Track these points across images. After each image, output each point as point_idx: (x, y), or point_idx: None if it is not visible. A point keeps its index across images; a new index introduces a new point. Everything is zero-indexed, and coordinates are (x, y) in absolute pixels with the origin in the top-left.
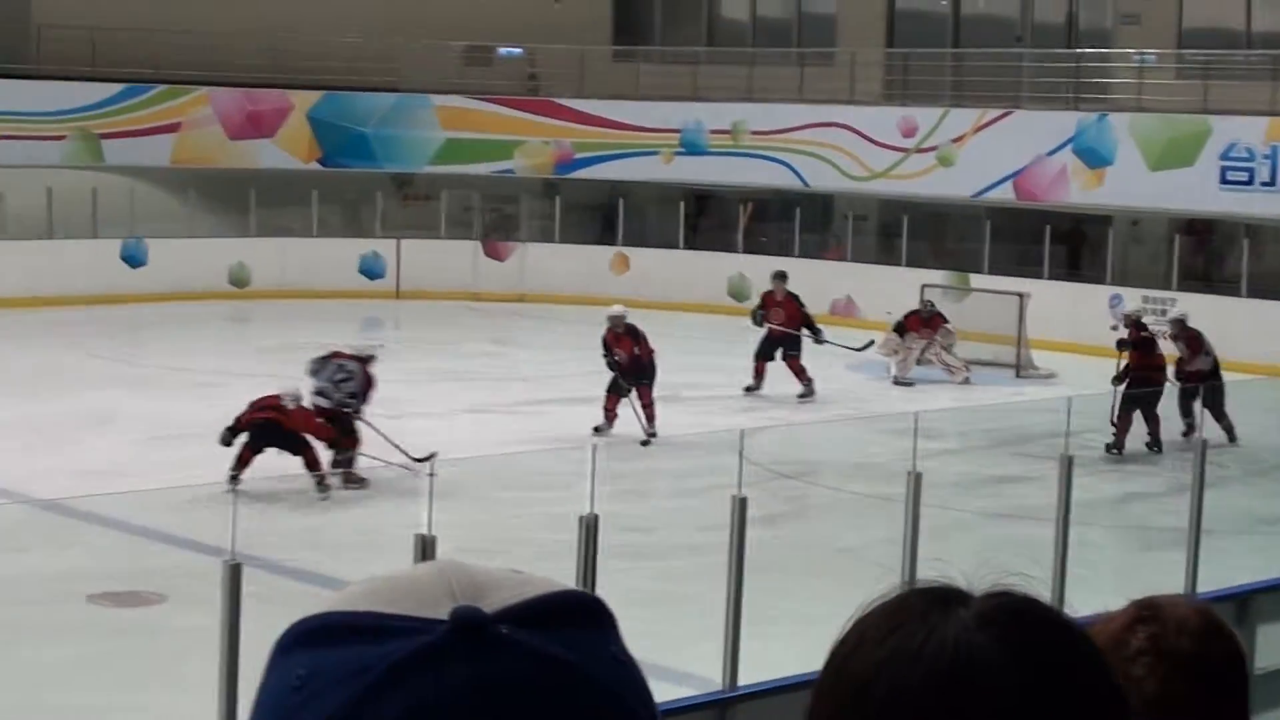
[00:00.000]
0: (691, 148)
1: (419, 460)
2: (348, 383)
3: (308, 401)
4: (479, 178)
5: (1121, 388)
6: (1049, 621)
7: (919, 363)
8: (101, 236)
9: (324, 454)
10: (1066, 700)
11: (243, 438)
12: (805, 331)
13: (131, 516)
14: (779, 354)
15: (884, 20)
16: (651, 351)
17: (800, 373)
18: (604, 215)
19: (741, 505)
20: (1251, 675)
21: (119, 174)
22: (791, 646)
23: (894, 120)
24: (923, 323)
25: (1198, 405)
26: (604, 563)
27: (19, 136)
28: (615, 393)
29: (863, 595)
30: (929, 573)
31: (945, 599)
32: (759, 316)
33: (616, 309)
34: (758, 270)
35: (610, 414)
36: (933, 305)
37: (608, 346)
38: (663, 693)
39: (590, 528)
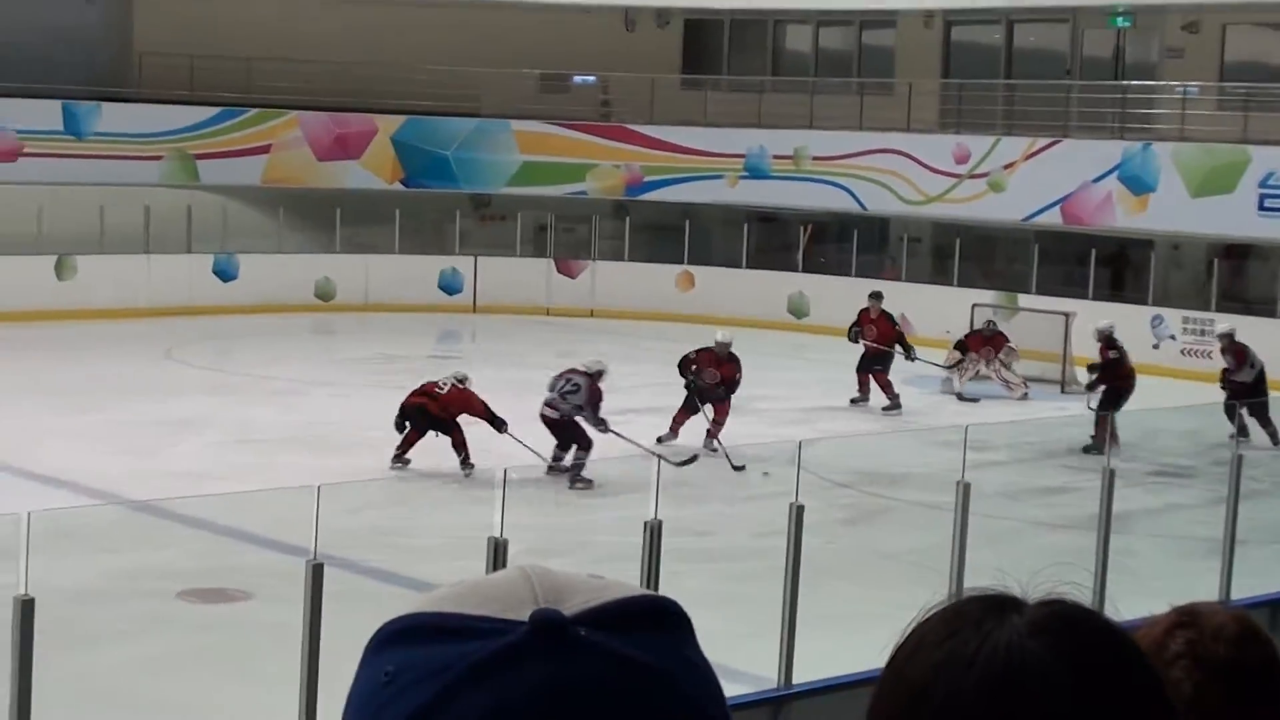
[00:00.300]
0: (755, 172)
1: (680, 464)
2: (574, 394)
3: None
4: (553, 199)
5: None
6: (1100, 629)
7: (976, 378)
8: (195, 251)
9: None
10: (1117, 706)
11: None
12: (898, 348)
13: (220, 517)
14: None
15: (940, 52)
16: (738, 375)
17: (887, 387)
18: (672, 235)
19: (799, 512)
20: None
21: (213, 192)
22: (843, 647)
23: (948, 147)
24: (984, 341)
25: (1244, 413)
26: (666, 565)
27: (119, 156)
28: (688, 410)
29: (912, 599)
30: (979, 579)
31: (1001, 606)
32: (855, 334)
33: (724, 334)
34: (817, 289)
35: (677, 426)
36: (994, 324)
37: (694, 367)
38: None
39: (654, 532)
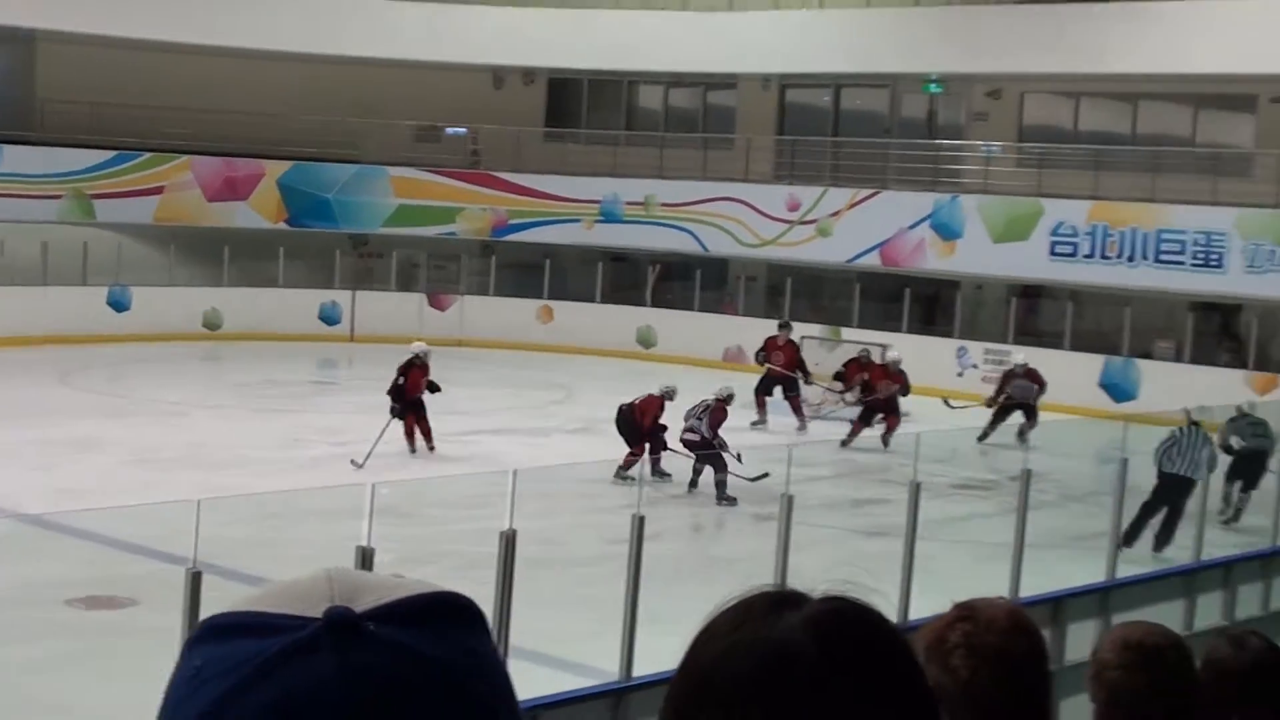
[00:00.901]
0: (609, 216)
1: (754, 479)
2: (705, 416)
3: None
4: (425, 239)
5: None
6: (868, 623)
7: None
8: (90, 284)
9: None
10: (876, 691)
11: None
12: (799, 374)
13: (108, 529)
14: (778, 391)
15: (775, 112)
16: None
17: (798, 410)
18: (533, 273)
19: (640, 522)
20: (1062, 666)
21: (108, 230)
22: (680, 642)
23: (781, 197)
24: (861, 368)
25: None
26: (521, 571)
27: (20, 195)
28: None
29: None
30: (800, 581)
31: (783, 602)
32: (761, 357)
33: (894, 354)
34: (663, 322)
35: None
36: (868, 354)
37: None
38: (568, 682)
39: (509, 541)
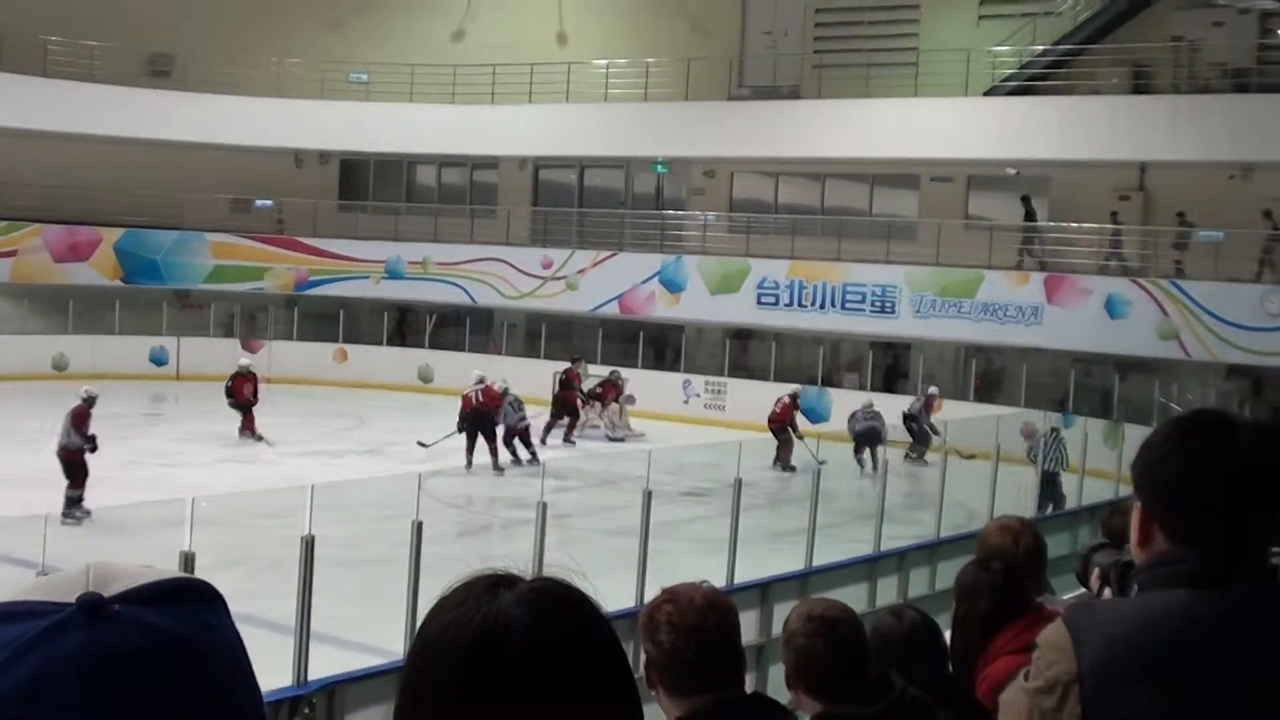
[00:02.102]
0: (393, 274)
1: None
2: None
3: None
4: (239, 293)
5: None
6: (570, 601)
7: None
8: None
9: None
10: (576, 659)
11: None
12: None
13: None
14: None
15: (531, 188)
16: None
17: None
18: (330, 321)
19: (418, 528)
20: (770, 639)
21: None
22: None
23: (537, 257)
24: (612, 386)
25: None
26: (324, 570)
27: None
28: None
29: None
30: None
31: (500, 581)
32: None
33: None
34: (439, 361)
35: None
36: (617, 374)
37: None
38: (363, 661)
39: (309, 545)
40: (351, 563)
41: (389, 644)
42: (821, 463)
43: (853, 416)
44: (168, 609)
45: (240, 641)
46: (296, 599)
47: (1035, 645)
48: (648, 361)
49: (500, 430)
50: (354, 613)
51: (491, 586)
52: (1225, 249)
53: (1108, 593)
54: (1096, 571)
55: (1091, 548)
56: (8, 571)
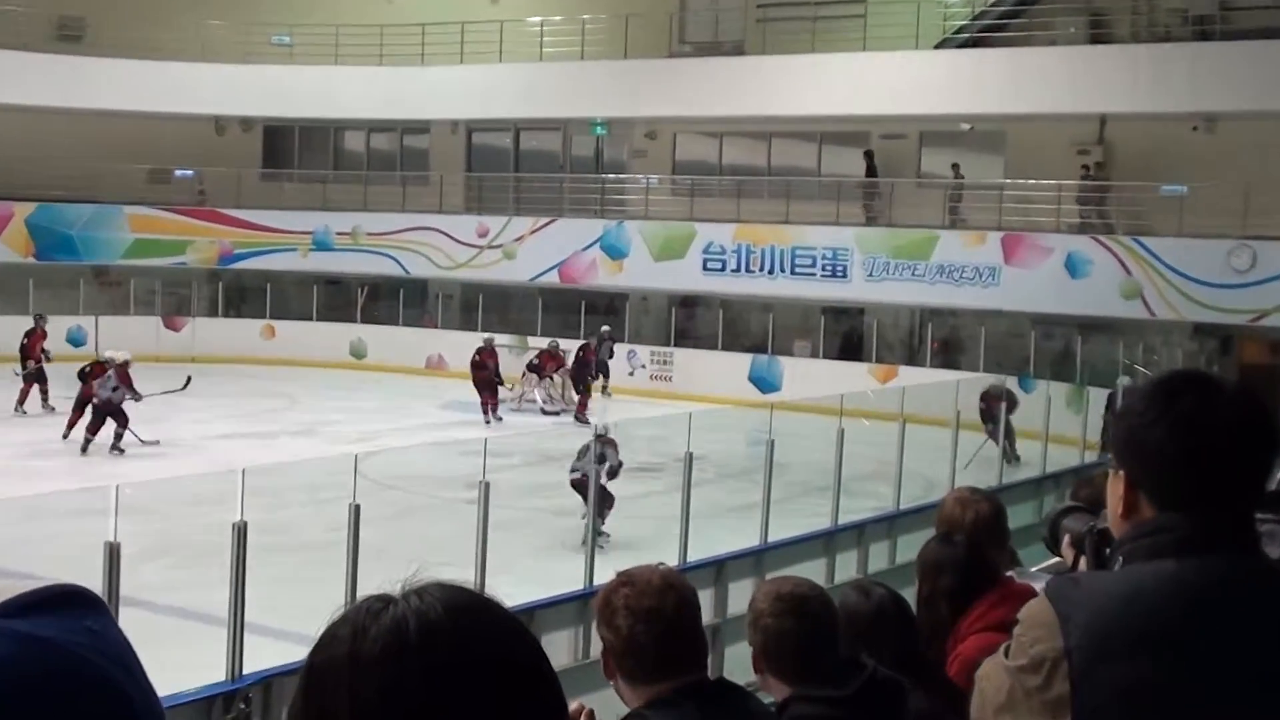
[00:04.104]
0: (322, 245)
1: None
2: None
3: None
4: (160, 268)
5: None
6: (468, 601)
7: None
8: None
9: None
10: (480, 670)
11: None
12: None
13: None
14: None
15: (464, 152)
16: None
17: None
18: (256, 296)
19: (357, 510)
20: (726, 619)
21: None
22: None
23: (472, 225)
24: (551, 358)
25: None
26: (255, 557)
27: None
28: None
29: (443, 574)
30: (500, 557)
31: (388, 600)
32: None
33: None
34: (372, 336)
35: None
36: (556, 345)
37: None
38: (300, 652)
39: (241, 532)
40: (286, 549)
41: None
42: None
43: None
44: (44, 617)
45: (128, 645)
46: (229, 589)
47: (1011, 622)
48: (591, 332)
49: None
50: (290, 601)
51: (379, 603)
52: (1190, 203)
53: (1083, 563)
54: (1068, 538)
55: (1061, 511)
56: None
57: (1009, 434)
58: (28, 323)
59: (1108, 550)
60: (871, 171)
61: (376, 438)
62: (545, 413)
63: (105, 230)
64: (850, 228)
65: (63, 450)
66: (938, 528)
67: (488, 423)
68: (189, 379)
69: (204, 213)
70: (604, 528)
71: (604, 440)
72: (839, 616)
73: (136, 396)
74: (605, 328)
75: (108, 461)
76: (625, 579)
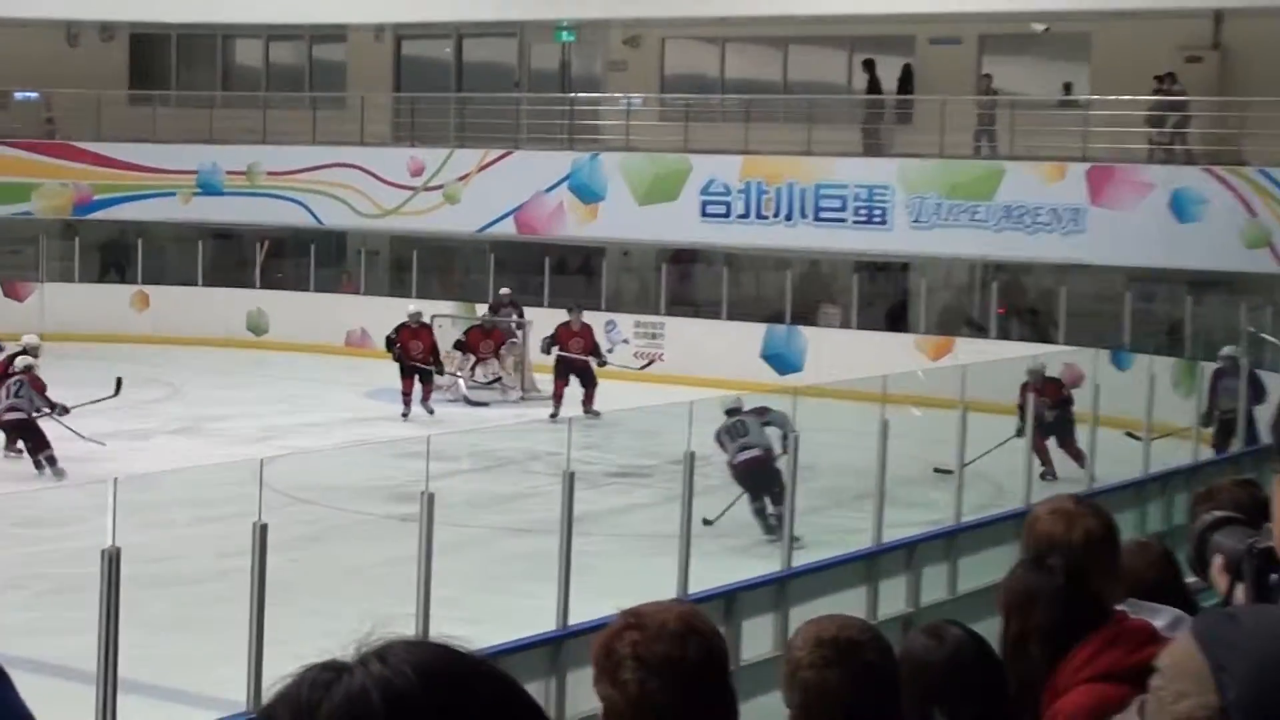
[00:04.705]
0: (208, 188)
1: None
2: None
3: None
4: None
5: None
6: (439, 656)
7: (484, 380)
8: None
9: None
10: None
11: None
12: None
13: None
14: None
15: (391, 66)
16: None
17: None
18: (124, 254)
19: (263, 531)
20: (739, 667)
21: None
22: (310, 665)
23: (403, 160)
24: (484, 335)
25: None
26: (128, 593)
27: None
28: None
29: (382, 610)
30: (447, 588)
31: (338, 669)
32: (548, 344)
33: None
34: (276, 305)
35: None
36: (490, 318)
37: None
38: (188, 715)
39: (113, 560)
40: (164, 581)
41: (222, 690)
42: None
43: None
44: None
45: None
46: (99, 635)
47: (1127, 669)
48: (557, 297)
49: None
50: (172, 649)
51: (329, 673)
52: None
53: (1240, 591)
54: (1220, 560)
55: (1210, 523)
56: None
57: (1065, 435)
58: None
59: (1274, 576)
60: (874, 87)
61: (282, 436)
62: (470, 403)
63: None
64: (892, 160)
65: None
66: (1026, 548)
67: (405, 415)
68: (120, 381)
69: (53, 147)
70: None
71: (759, 411)
72: (902, 667)
73: (55, 409)
74: (504, 290)
75: None
76: (632, 620)
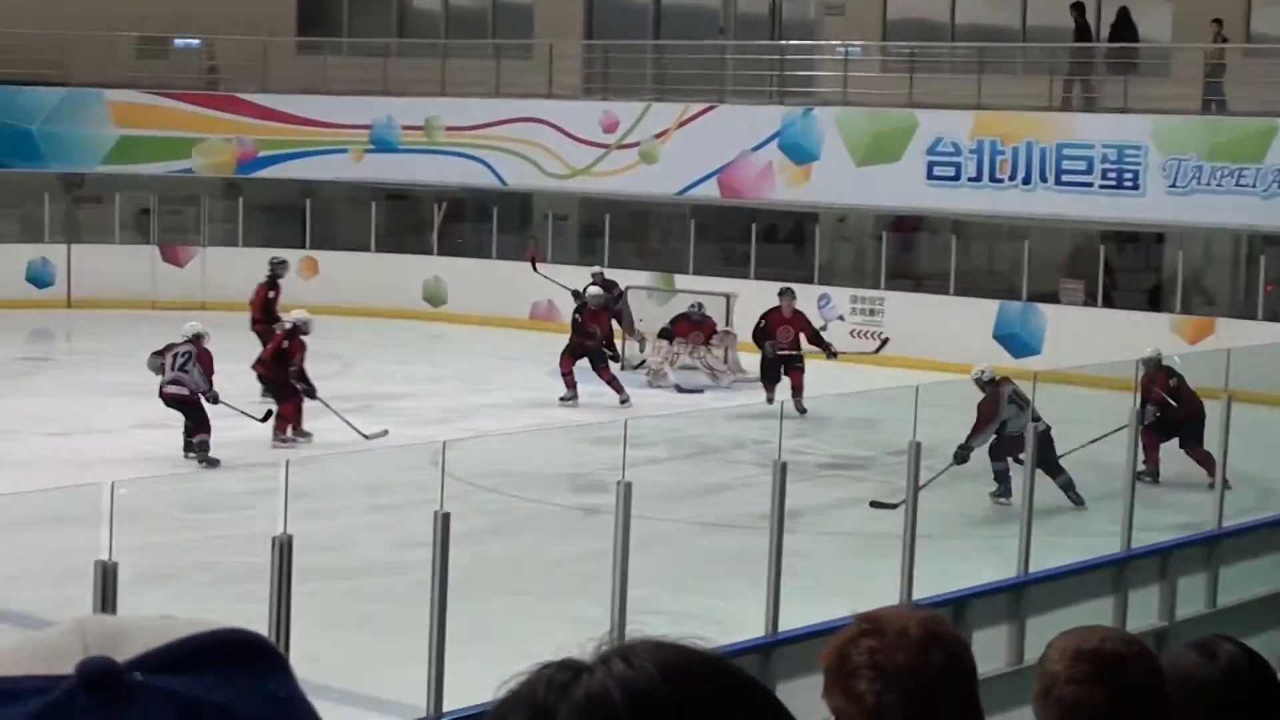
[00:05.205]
0: (382, 145)
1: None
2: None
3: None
4: (156, 178)
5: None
6: (693, 658)
7: (686, 367)
8: None
9: None
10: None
11: None
12: (812, 347)
13: None
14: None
15: (582, 10)
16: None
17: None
18: (290, 216)
19: (445, 520)
20: (978, 682)
21: None
22: (499, 667)
23: (594, 115)
24: (693, 326)
25: None
26: (298, 584)
27: None
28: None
29: (572, 611)
30: (642, 587)
31: (576, 669)
32: (768, 345)
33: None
34: (454, 273)
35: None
36: (701, 307)
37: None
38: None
39: (284, 549)
40: (335, 574)
41: (400, 693)
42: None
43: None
44: (209, 675)
45: (312, 713)
46: (269, 629)
47: None
48: (764, 268)
49: None
50: (343, 647)
51: (566, 672)
52: None
53: None
54: None
55: None
56: None
57: (1188, 436)
58: None
59: None
60: (1083, 33)
61: (462, 417)
62: (684, 389)
63: (78, 124)
64: (1145, 115)
65: (16, 430)
66: None
67: (565, 399)
68: (270, 414)
69: (216, 99)
70: None
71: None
72: (1171, 686)
73: (208, 395)
74: (596, 269)
75: (97, 443)
76: (869, 626)
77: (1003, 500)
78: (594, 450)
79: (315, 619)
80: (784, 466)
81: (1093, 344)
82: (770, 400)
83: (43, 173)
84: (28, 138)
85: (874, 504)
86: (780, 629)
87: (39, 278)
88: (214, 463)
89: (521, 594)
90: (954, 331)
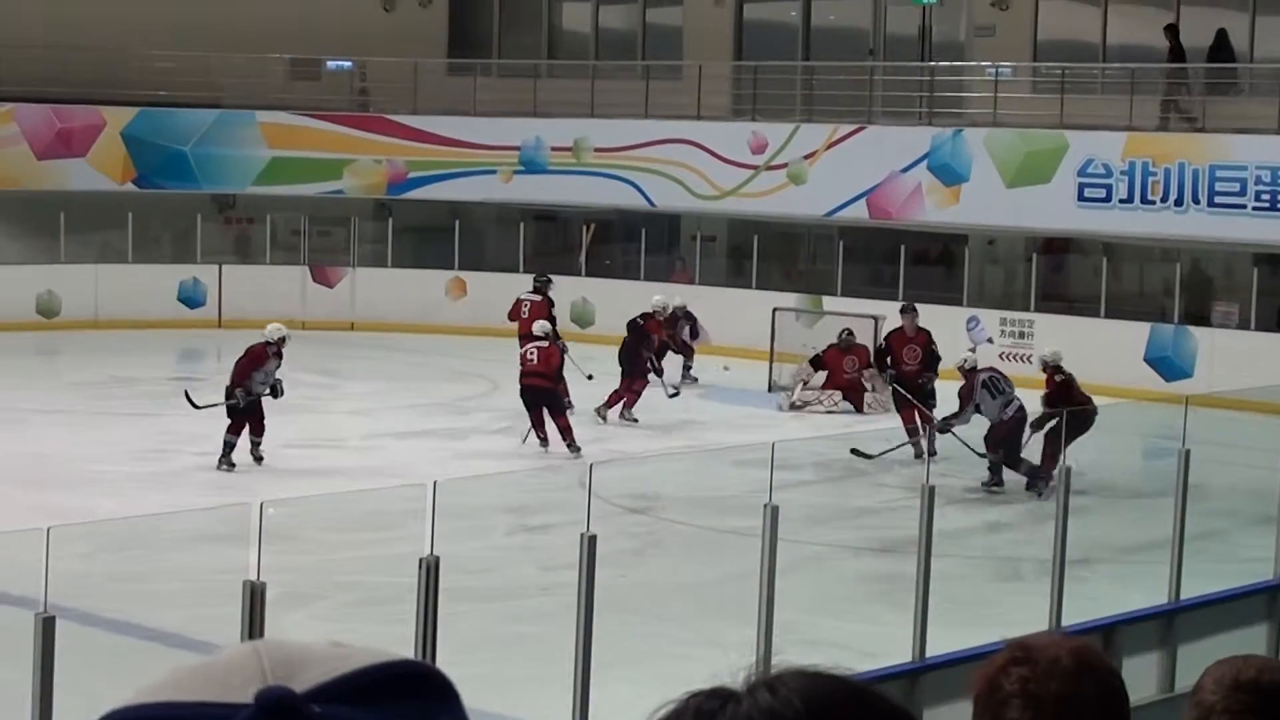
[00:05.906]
0: (531, 166)
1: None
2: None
3: None
4: (306, 199)
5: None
6: (840, 689)
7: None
8: None
9: None
10: None
11: None
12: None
13: None
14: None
15: (731, 32)
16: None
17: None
18: (440, 237)
19: (591, 543)
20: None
21: None
22: (645, 691)
23: (743, 136)
24: (842, 354)
25: None
26: (444, 606)
27: None
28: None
29: (718, 635)
30: (789, 612)
31: (724, 698)
32: (888, 374)
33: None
34: (602, 294)
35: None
36: (850, 334)
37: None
38: None
39: (431, 569)
40: (481, 596)
41: (546, 717)
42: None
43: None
44: (385, 708)
45: None
46: (414, 649)
47: None
48: (912, 290)
49: None
50: (492, 669)
51: (714, 701)
52: None
53: None
54: None
55: None
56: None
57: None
58: (126, 276)
59: None
60: (1177, 54)
61: (610, 439)
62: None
63: (230, 146)
64: None
65: (169, 449)
66: None
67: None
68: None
69: (367, 120)
70: None
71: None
72: None
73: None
74: (673, 301)
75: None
76: (1021, 653)
77: (995, 489)
78: (740, 472)
79: (461, 640)
80: (932, 490)
81: (1245, 367)
82: (912, 432)
83: (195, 193)
84: (181, 159)
85: (854, 451)
86: (928, 654)
87: (190, 298)
88: (231, 466)
89: (668, 617)
90: (1104, 354)
